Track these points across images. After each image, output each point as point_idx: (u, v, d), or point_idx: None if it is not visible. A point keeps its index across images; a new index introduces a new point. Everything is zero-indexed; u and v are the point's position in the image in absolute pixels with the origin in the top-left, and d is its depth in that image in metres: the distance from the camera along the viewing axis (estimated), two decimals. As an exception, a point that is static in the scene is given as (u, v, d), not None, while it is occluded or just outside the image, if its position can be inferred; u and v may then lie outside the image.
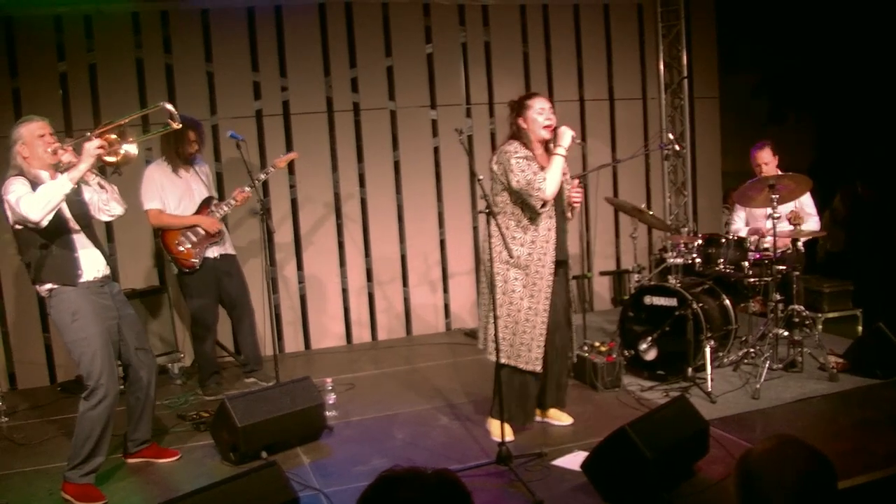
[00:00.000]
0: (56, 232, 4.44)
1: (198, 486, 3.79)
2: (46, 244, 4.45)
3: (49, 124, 4.52)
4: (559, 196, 5.06)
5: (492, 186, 5.09)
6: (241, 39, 7.70)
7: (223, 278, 6.48)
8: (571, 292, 5.44)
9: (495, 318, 4.77)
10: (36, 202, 4.20)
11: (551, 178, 4.92)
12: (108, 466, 4.98)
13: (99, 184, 4.64)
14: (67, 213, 4.51)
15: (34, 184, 4.39)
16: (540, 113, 5.04)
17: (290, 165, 7.83)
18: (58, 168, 4.46)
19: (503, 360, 5.05)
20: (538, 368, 5.06)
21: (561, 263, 5.16)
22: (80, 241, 4.58)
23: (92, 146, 4.29)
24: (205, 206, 6.36)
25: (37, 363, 7.23)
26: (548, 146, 5.12)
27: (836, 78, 8.88)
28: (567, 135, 5.02)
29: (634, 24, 9.13)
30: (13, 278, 7.11)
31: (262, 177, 6.54)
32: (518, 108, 5.13)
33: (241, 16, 7.68)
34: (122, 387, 6.32)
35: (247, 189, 6.28)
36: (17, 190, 4.31)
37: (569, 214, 5.25)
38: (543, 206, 4.93)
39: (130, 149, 4.48)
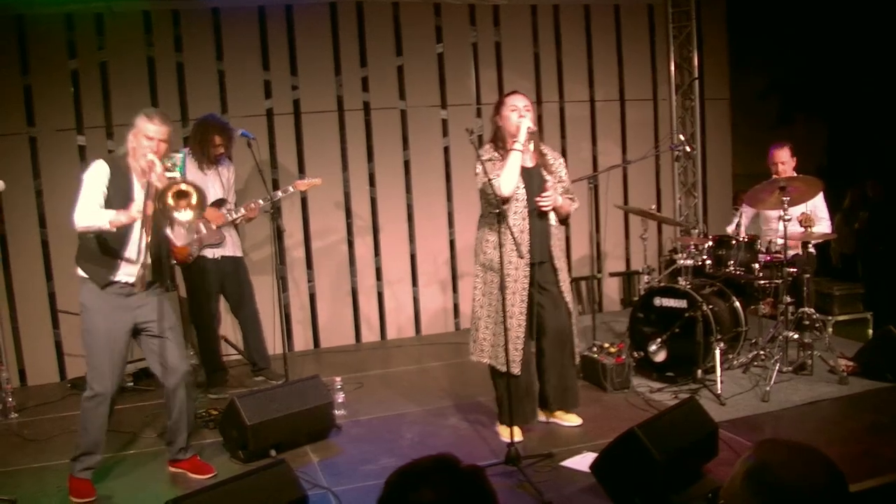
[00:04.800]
0: (117, 233, 4.43)
1: (207, 483, 3.79)
2: (98, 238, 4.46)
3: (168, 132, 4.47)
4: (532, 196, 5.02)
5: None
6: (251, 38, 7.72)
7: (224, 279, 6.51)
8: (580, 292, 5.41)
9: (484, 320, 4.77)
10: (83, 214, 4.33)
11: (504, 176, 4.89)
12: (118, 462, 5.01)
13: None
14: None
15: (121, 172, 4.45)
16: (513, 110, 5.03)
17: (301, 164, 7.87)
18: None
19: (486, 361, 5.08)
20: (515, 371, 4.99)
21: (544, 264, 5.14)
22: (139, 245, 4.51)
23: (135, 209, 4.29)
24: (215, 206, 6.38)
25: (47, 359, 7.26)
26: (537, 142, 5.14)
27: (846, 79, 8.85)
28: (522, 128, 4.96)
29: (645, 24, 9.12)
30: (24, 275, 7.13)
31: (280, 195, 6.51)
32: (497, 106, 5.16)
33: (251, 15, 7.70)
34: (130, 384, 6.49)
35: (261, 202, 6.31)
36: (90, 177, 4.42)
37: (551, 217, 5.17)
38: (504, 203, 4.84)
39: (181, 216, 4.34)
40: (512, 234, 4.79)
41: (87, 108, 7.26)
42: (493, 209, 4.82)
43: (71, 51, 7.25)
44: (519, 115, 5.00)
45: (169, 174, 4.36)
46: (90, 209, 4.34)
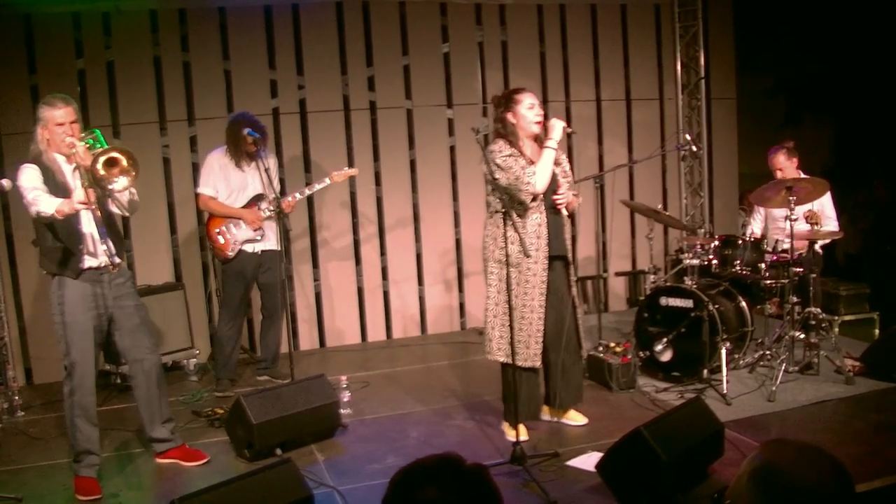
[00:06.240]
0: (66, 223, 4.47)
1: (212, 482, 3.80)
2: (55, 234, 4.50)
3: (74, 110, 4.52)
4: (549, 192, 5.03)
5: (485, 187, 5.13)
6: (258, 37, 7.73)
7: (260, 272, 6.57)
8: (585, 291, 5.41)
9: (503, 318, 4.77)
10: (37, 203, 4.32)
11: (541, 172, 4.91)
12: (124, 460, 5.02)
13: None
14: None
15: (49, 169, 4.48)
16: (530, 108, 5.03)
17: (307, 163, 7.87)
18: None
19: (502, 359, 5.06)
20: (537, 364, 5.07)
21: (557, 259, 5.14)
22: (91, 228, 4.60)
23: (77, 198, 4.27)
24: (253, 203, 6.43)
25: (53, 358, 7.24)
26: (537, 139, 5.10)
27: (854, 79, 8.83)
28: (558, 127, 5.00)
29: (652, 24, 9.10)
30: (30, 274, 7.14)
31: (316, 187, 6.59)
32: (506, 102, 5.10)
33: (258, 14, 7.70)
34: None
35: (297, 195, 6.37)
36: (25, 178, 4.41)
37: (564, 211, 5.19)
38: (533, 199, 4.93)
39: (117, 185, 4.39)
40: (518, 231, 4.82)
41: (93, 108, 7.26)
42: (516, 205, 4.90)
43: (78, 50, 7.26)
44: (536, 113, 5.03)
45: (92, 151, 4.40)
46: (41, 196, 4.34)
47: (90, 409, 4.63)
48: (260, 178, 6.40)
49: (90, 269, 4.59)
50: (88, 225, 4.60)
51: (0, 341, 6.42)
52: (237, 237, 6.40)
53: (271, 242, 6.54)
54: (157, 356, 4.97)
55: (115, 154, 4.34)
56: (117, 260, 4.68)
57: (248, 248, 6.45)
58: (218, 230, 6.41)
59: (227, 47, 7.67)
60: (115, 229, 4.77)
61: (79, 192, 4.30)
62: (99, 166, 4.28)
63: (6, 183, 5.09)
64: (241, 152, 6.35)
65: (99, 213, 4.59)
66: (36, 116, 4.55)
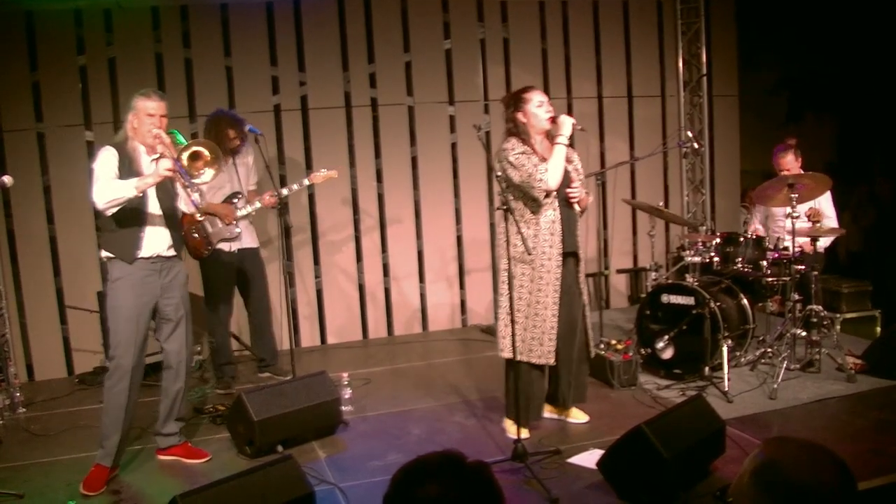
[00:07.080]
0: (130, 208, 4.58)
1: (214, 479, 3.80)
2: (119, 218, 4.60)
3: (164, 106, 4.67)
4: (562, 188, 5.03)
5: (497, 186, 5.13)
6: (259, 34, 7.72)
7: (240, 271, 6.55)
8: (588, 288, 5.40)
9: (509, 315, 4.76)
10: (104, 193, 4.46)
11: (553, 168, 4.90)
12: (126, 458, 5.01)
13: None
14: (151, 191, 4.65)
15: (129, 157, 4.62)
16: (539, 106, 5.03)
17: (308, 160, 7.86)
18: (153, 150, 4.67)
19: (518, 357, 5.04)
20: (551, 361, 5.04)
21: (570, 255, 5.14)
22: (154, 218, 4.72)
23: (163, 166, 4.47)
24: (228, 201, 6.41)
25: (54, 355, 7.28)
26: (548, 136, 5.10)
27: (857, 76, 8.81)
28: (567, 123, 4.99)
29: (654, 20, 9.09)
30: (32, 271, 7.15)
31: (295, 187, 6.55)
32: (515, 102, 5.10)
33: (259, 11, 7.70)
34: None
35: (275, 194, 6.35)
36: (101, 162, 4.57)
37: (577, 207, 5.19)
38: (547, 196, 4.92)
39: (204, 178, 4.61)
40: (527, 228, 4.82)
41: (95, 104, 7.27)
42: (529, 202, 4.92)
43: (79, 46, 7.26)
44: (546, 110, 5.03)
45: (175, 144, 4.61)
46: (111, 184, 4.48)
47: (120, 396, 4.66)
48: (238, 177, 6.41)
49: (144, 258, 4.69)
50: (153, 216, 4.72)
51: (2, 338, 6.42)
52: (212, 235, 6.37)
53: (248, 241, 6.55)
54: (191, 352, 5.07)
55: (198, 148, 4.56)
56: (173, 252, 4.82)
57: (225, 246, 6.42)
58: (193, 228, 6.36)
59: (228, 44, 7.67)
60: (178, 225, 4.90)
61: (165, 161, 4.48)
62: (184, 158, 4.49)
63: (7, 179, 5.12)
64: (223, 149, 6.32)
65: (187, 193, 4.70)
66: (129, 105, 4.69)
